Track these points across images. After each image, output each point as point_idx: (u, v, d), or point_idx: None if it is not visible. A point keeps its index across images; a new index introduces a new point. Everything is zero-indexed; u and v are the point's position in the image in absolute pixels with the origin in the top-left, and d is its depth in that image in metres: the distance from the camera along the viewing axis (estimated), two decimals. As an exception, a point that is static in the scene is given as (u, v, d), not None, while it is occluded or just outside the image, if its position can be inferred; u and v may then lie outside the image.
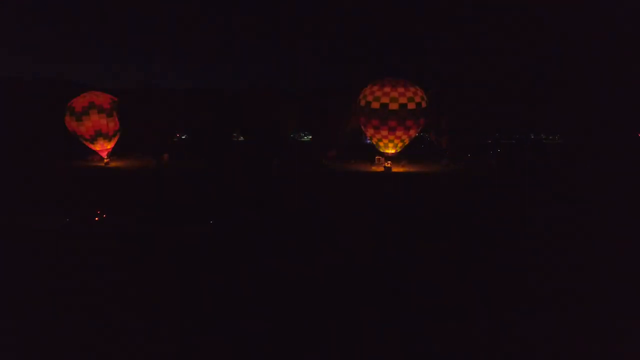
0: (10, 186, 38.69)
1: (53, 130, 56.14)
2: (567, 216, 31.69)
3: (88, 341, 15.47)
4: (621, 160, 58.94)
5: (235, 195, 37.60)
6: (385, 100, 48.19)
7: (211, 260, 23.64)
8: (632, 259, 22.49)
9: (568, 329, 16.01)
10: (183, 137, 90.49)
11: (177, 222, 30.58)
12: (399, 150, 51.69)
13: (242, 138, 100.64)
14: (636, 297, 18.15)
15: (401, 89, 48.34)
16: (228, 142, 62.05)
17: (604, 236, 26.58)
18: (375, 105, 48.51)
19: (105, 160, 55.78)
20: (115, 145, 55.59)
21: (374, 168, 53.83)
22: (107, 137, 53.19)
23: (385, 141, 49.90)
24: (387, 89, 48.57)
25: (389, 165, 52.45)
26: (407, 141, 50.83)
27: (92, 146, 53.75)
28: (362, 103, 49.67)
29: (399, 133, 48.78)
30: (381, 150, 52.07)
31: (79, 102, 52.16)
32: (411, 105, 47.85)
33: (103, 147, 53.85)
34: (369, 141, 55.63)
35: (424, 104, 49.25)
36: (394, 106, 47.72)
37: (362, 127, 51.64)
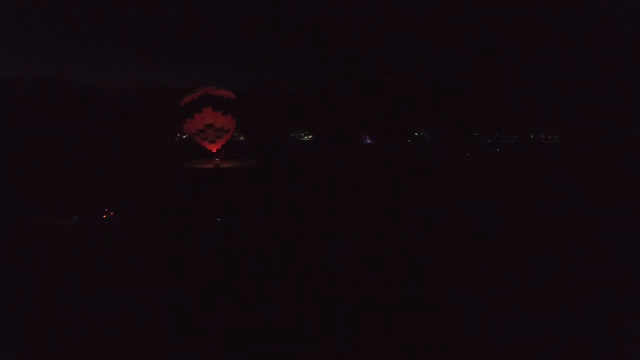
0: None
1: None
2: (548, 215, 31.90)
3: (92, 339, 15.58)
4: (621, 160, 59.14)
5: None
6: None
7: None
8: (632, 259, 22.60)
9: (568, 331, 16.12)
10: (184, 136, 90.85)
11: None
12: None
13: (242, 138, 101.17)
14: (636, 297, 18.26)
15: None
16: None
17: (602, 236, 26.70)
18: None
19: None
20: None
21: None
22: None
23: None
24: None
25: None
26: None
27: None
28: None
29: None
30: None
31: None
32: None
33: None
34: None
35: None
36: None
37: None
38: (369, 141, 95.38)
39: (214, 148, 53.11)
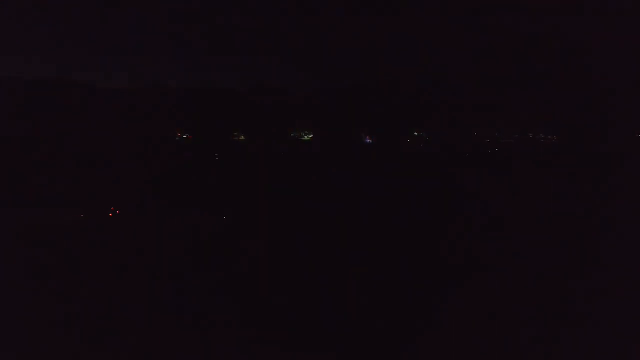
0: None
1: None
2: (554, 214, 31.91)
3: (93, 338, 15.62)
4: (621, 160, 59.12)
5: None
6: None
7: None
8: (631, 259, 22.62)
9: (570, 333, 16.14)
10: (184, 136, 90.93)
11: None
12: None
13: (242, 137, 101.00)
14: (636, 297, 18.27)
15: None
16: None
17: (602, 236, 26.71)
18: None
19: None
20: None
21: None
22: None
23: None
24: None
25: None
26: None
27: None
28: None
29: None
30: None
31: None
32: None
33: None
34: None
35: None
36: None
37: None
38: (369, 141, 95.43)
39: None
